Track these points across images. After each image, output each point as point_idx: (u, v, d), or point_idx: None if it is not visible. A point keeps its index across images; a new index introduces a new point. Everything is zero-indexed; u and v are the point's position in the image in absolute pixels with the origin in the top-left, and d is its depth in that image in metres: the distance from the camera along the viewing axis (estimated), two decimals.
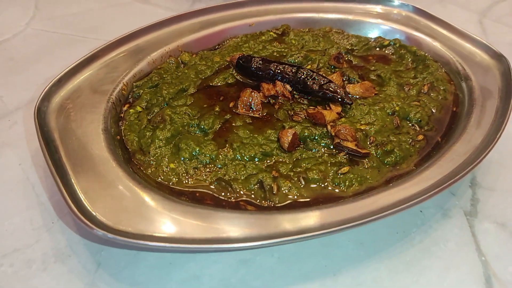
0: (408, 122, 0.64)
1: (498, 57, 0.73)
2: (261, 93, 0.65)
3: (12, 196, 0.58)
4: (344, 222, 0.48)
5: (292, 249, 0.53)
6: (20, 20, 0.95)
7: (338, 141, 0.57)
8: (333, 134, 0.58)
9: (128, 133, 0.59)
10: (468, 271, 0.52)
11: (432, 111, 0.66)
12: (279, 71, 0.65)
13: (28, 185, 0.60)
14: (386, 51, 0.79)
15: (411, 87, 0.69)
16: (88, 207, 0.47)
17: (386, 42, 0.80)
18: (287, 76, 0.65)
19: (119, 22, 0.95)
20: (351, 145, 0.57)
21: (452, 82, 0.73)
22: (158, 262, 0.51)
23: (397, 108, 0.64)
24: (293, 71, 0.65)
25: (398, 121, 0.63)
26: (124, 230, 0.45)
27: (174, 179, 0.54)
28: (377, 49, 0.80)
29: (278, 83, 0.65)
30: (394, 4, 0.86)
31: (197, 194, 0.53)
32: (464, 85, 0.71)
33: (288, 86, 0.65)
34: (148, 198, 0.49)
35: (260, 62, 0.67)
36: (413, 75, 0.72)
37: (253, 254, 0.52)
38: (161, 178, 0.54)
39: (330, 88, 0.62)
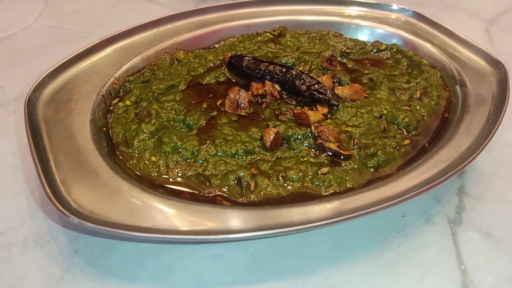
0: (395, 126, 0.63)
1: (496, 64, 0.72)
2: (250, 92, 0.65)
3: (1, 182, 0.60)
4: (318, 220, 0.48)
5: (267, 247, 0.53)
6: (29, 15, 0.98)
7: (321, 141, 0.57)
8: (316, 134, 0.58)
9: (115, 126, 0.60)
10: (445, 279, 0.51)
11: (423, 116, 0.66)
12: (268, 71, 0.66)
13: (18, 172, 0.61)
14: (383, 56, 0.79)
15: (403, 91, 0.69)
16: (66, 195, 0.48)
17: (383, 47, 0.79)
18: (276, 76, 0.65)
19: (124, 20, 0.96)
20: (333, 146, 0.56)
21: (447, 88, 0.72)
22: (133, 251, 0.52)
23: (385, 112, 0.63)
24: (283, 71, 0.65)
25: (385, 125, 0.62)
26: (100, 219, 0.46)
27: (154, 171, 0.55)
28: (374, 53, 0.79)
29: (267, 82, 0.65)
30: (393, 8, 0.86)
31: (176, 188, 0.53)
32: (458, 91, 0.71)
33: (277, 86, 0.65)
34: (126, 189, 0.50)
35: (251, 61, 0.68)
36: (406, 79, 0.71)
37: (228, 249, 0.52)
38: (141, 170, 0.55)
39: (318, 89, 0.62)
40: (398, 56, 0.77)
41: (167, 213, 0.47)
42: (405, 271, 0.51)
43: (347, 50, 0.79)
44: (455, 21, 1.06)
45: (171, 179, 0.54)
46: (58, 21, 0.96)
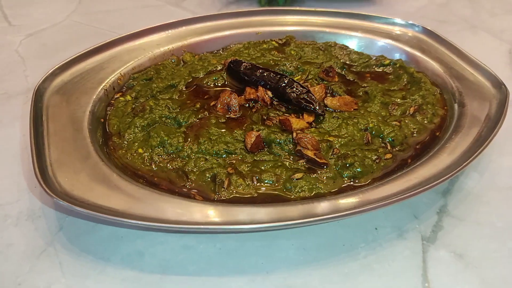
0: (380, 140, 0.64)
1: (499, 85, 0.71)
2: (242, 96, 0.68)
3: (10, 161, 0.67)
4: (282, 221, 0.50)
5: (235, 244, 0.55)
6: (63, 12, 1.06)
7: (299, 148, 0.59)
8: (296, 141, 0.60)
9: (112, 118, 0.65)
10: None
11: (412, 132, 0.66)
12: (262, 77, 0.68)
13: (25, 154, 0.68)
14: (385, 70, 0.79)
15: (397, 107, 0.69)
16: (52, 176, 0.53)
17: (387, 62, 0.80)
18: (270, 83, 0.68)
19: (147, 22, 1.01)
20: (310, 153, 0.58)
21: (445, 107, 0.72)
22: (111, 234, 0.56)
23: (371, 125, 0.64)
24: (276, 78, 0.68)
25: (369, 138, 0.63)
26: (76, 199, 0.50)
27: (139, 162, 0.59)
28: (377, 67, 0.80)
29: (260, 88, 0.68)
30: (402, 23, 0.86)
31: (155, 179, 0.57)
32: (456, 110, 0.70)
33: (269, 93, 0.68)
34: (107, 175, 0.54)
35: (248, 67, 0.70)
36: (403, 95, 0.72)
37: (198, 242, 0.55)
38: (128, 160, 0.59)
39: (305, 98, 0.64)
40: (400, 71, 0.78)
41: (140, 201, 0.51)
42: (365, 282, 0.52)
43: (350, 63, 0.80)
44: (477, 40, 1.04)
45: (152, 171, 0.58)
46: (87, 19, 1.04)
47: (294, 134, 0.61)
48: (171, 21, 0.82)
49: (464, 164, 0.57)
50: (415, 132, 0.66)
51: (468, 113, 0.68)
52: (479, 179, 0.66)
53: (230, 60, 0.73)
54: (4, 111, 0.76)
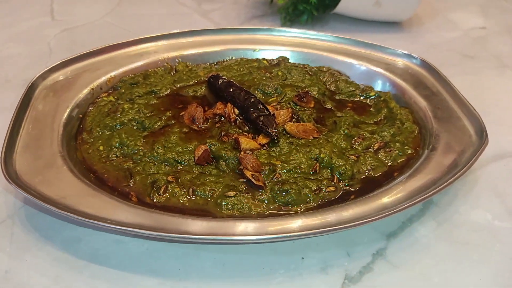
0: (329, 171, 0.64)
1: (481, 133, 0.67)
2: (211, 110, 0.72)
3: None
4: (199, 234, 0.53)
5: (161, 247, 0.58)
6: (100, 12, 1.17)
7: (241, 167, 0.61)
8: (239, 160, 0.62)
9: (89, 115, 0.72)
10: None
11: (367, 169, 0.65)
12: (233, 94, 0.71)
13: None
14: (369, 102, 0.78)
15: (362, 141, 0.68)
16: (14, 161, 0.60)
17: (372, 93, 0.79)
18: (238, 101, 0.71)
19: (172, 28, 1.10)
20: (248, 174, 0.60)
21: (417, 148, 0.69)
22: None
23: (322, 155, 0.64)
24: (245, 98, 0.70)
25: (317, 168, 0.63)
26: (27, 186, 0.57)
27: (96, 158, 0.65)
28: (362, 97, 0.79)
29: (229, 105, 0.71)
30: (399, 53, 0.84)
31: (105, 176, 0.63)
32: (425, 153, 0.67)
33: (236, 110, 0.70)
34: (60, 166, 0.61)
35: (224, 83, 0.74)
36: (373, 130, 0.71)
37: (129, 239, 0.60)
38: (88, 155, 0.65)
39: (263, 120, 0.66)
40: (381, 105, 0.76)
41: (75, 194, 0.57)
42: None
43: (335, 90, 0.80)
44: (500, 82, 0.97)
45: (105, 168, 0.63)
46: (119, 21, 1.14)
47: (242, 153, 0.63)
48: (174, 31, 0.88)
49: (393, 211, 0.55)
50: (371, 169, 0.65)
51: (434, 158, 0.65)
52: (434, 229, 0.63)
53: (212, 74, 0.77)
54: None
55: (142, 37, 0.85)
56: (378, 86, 0.82)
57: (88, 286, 0.55)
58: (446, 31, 1.17)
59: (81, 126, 0.70)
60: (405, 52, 0.84)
